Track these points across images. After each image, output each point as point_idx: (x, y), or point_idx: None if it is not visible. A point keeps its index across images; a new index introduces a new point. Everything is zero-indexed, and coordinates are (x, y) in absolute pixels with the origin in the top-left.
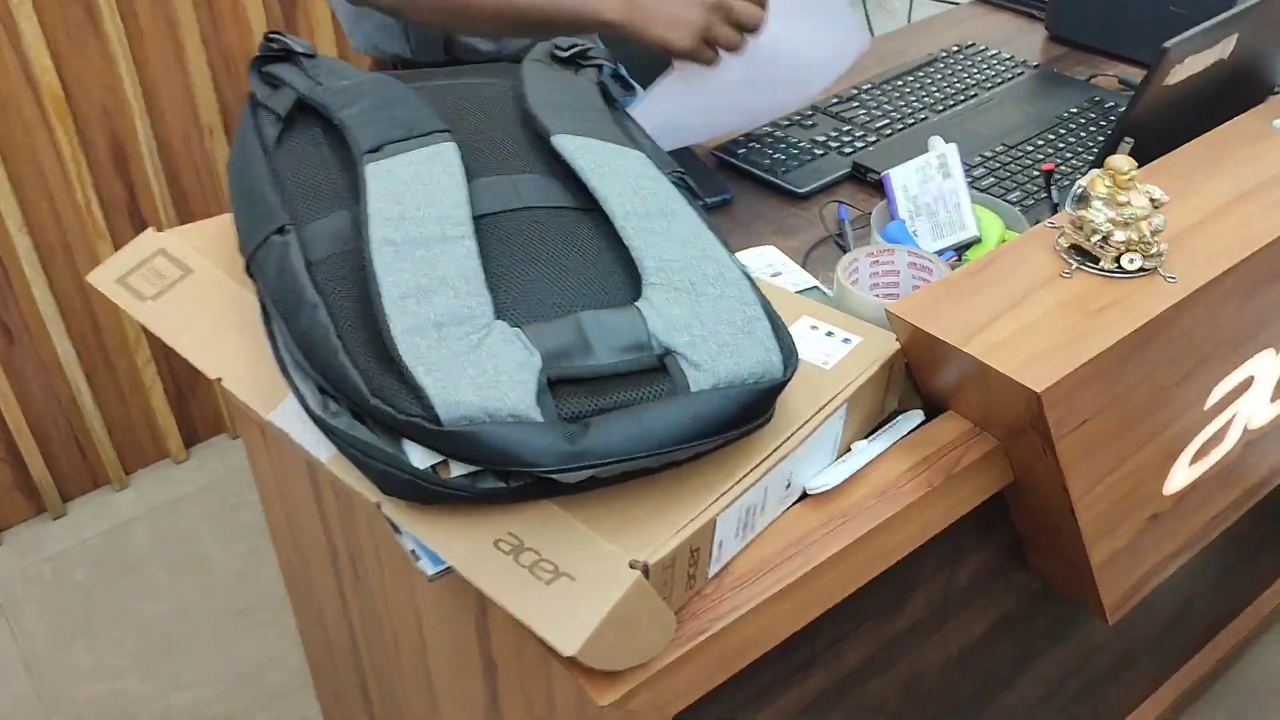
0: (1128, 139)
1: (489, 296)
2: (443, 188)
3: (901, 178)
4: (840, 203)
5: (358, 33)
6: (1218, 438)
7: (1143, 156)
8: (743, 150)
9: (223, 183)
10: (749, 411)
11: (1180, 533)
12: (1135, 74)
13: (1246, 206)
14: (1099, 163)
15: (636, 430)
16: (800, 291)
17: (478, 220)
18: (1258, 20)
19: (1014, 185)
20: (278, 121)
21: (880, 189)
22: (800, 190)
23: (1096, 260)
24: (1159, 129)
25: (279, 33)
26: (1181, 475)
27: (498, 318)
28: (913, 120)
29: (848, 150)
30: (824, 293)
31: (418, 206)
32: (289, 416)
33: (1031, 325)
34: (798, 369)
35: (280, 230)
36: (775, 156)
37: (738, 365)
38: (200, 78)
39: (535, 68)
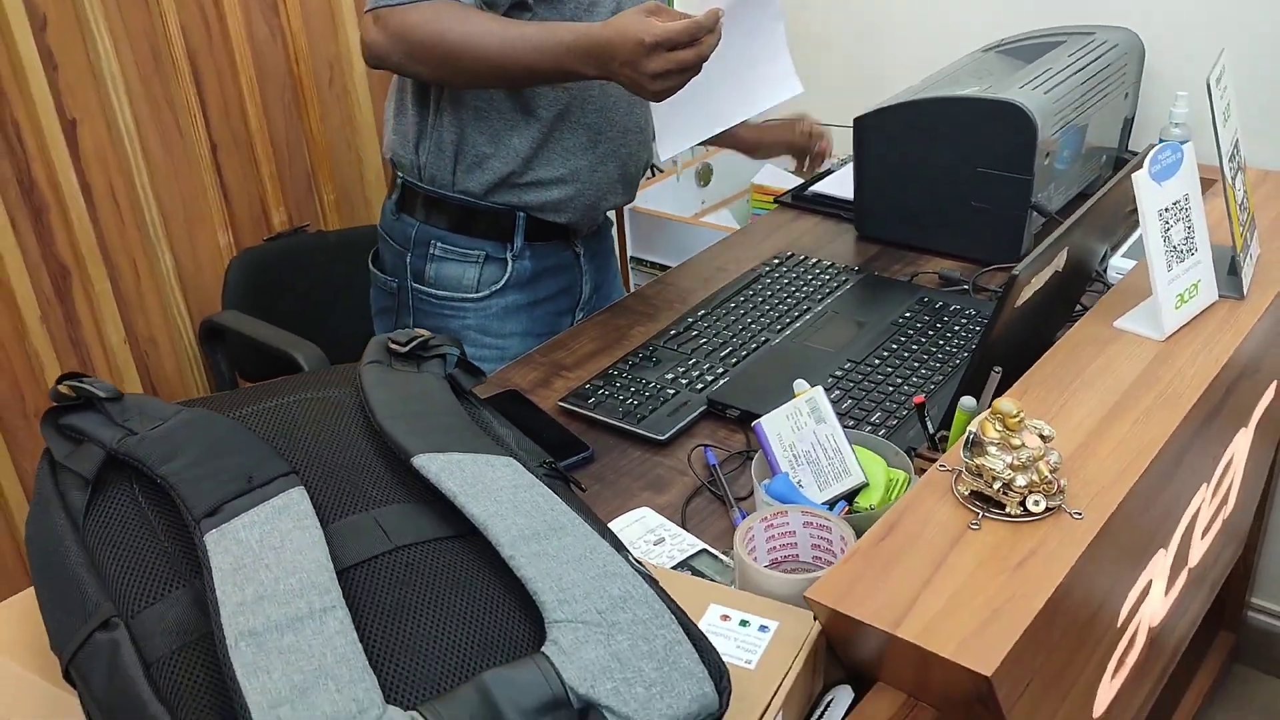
0: (996, 369)
1: (374, 678)
2: (298, 548)
3: (775, 427)
4: (706, 446)
5: (386, 135)
6: (1130, 645)
7: (1005, 377)
8: (592, 400)
9: None
10: None
11: None
12: (951, 267)
13: (1120, 421)
14: (968, 389)
15: None
16: (689, 558)
17: (343, 575)
18: (1085, 229)
19: (873, 405)
20: (85, 485)
21: (741, 423)
22: (662, 437)
23: (1001, 505)
24: (1013, 344)
25: (77, 375)
26: (1106, 693)
27: (389, 701)
28: (755, 344)
29: (700, 386)
30: (713, 555)
31: (275, 580)
32: None
33: (958, 594)
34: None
35: (105, 625)
36: (628, 403)
37: (671, 708)
38: None
39: (375, 373)
